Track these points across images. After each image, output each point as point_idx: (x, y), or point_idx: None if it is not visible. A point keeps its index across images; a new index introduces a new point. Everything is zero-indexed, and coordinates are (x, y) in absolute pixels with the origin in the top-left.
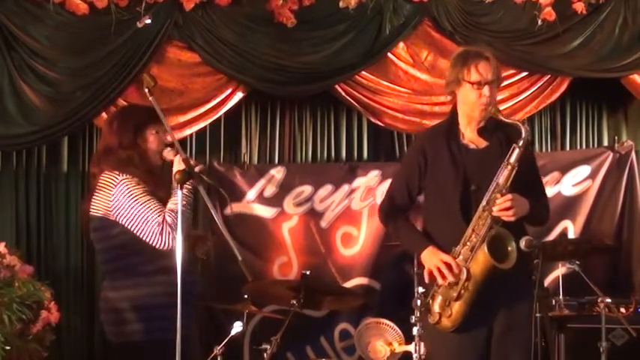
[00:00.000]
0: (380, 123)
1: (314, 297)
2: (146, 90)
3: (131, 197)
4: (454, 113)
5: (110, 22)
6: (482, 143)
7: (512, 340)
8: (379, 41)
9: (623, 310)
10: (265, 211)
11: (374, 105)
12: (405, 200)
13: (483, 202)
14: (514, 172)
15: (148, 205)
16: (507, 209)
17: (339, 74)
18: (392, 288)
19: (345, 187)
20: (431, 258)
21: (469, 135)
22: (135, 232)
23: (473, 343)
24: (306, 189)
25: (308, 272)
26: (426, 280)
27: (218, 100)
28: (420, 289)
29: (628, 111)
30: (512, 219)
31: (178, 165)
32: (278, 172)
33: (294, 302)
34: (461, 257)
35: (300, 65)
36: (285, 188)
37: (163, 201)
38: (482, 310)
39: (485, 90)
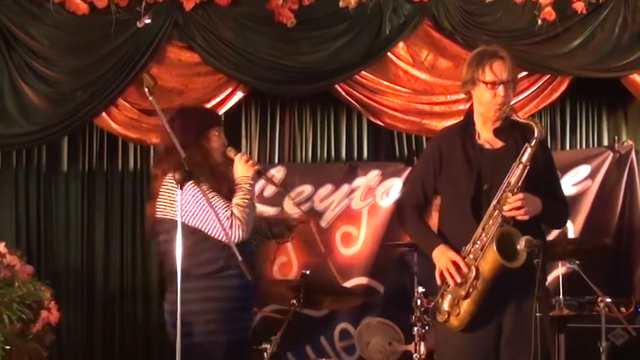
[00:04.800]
0: (380, 123)
1: (314, 297)
2: (146, 90)
3: (197, 197)
4: (470, 113)
5: (110, 22)
6: (498, 143)
7: (521, 341)
8: (379, 41)
9: (623, 309)
10: (265, 211)
11: (374, 105)
12: (420, 199)
13: (494, 201)
14: (526, 171)
15: (214, 202)
16: (518, 208)
17: (339, 74)
18: (392, 287)
19: (345, 187)
20: (441, 257)
21: (485, 135)
22: (204, 229)
23: (481, 342)
24: (306, 188)
25: (308, 272)
26: (437, 279)
27: (218, 99)
28: (421, 289)
29: (628, 111)
30: (524, 218)
31: (238, 163)
32: (278, 172)
33: (294, 302)
34: (471, 256)
35: (300, 65)
36: (285, 188)
37: (227, 197)
38: (492, 309)
39: (500, 90)
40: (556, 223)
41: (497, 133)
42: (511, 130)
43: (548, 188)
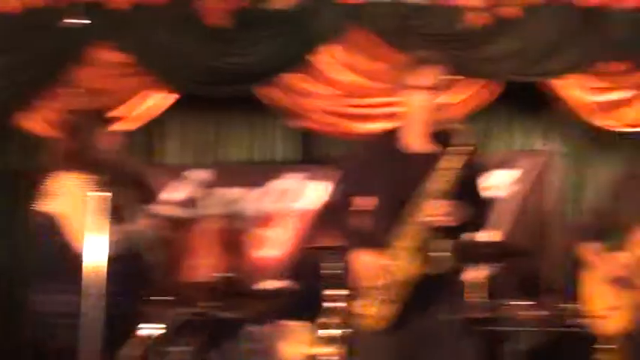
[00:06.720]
0: (306, 125)
1: (232, 299)
2: (72, 91)
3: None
4: (400, 117)
5: (35, 22)
6: (427, 148)
7: (437, 344)
8: (305, 44)
9: (537, 312)
10: (181, 213)
11: (297, 107)
12: (344, 202)
13: (417, 207)
14: (449, 178)
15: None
16: (440, 215)
17: (265, 76)
18: (306, 290)
19: (263, 189)
20: (362, 259)
21: (414, 139)
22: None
23: (397, 345)
24: (230, 190)
25: (227, 274)
26: (359, 282)
27: (142, 100)
28: (334, 292)
29: (555, 115)
30: (446, 224)
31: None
32: (197, 174)
33: (209, 304)
34: (390, 260)
35: (228, 66)
36: (209, 189)
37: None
38: (409, 312)
39: (429, 96)
40: (477, 228)
41: (426, 138)
42: (440, 136)
43: (472, 194)
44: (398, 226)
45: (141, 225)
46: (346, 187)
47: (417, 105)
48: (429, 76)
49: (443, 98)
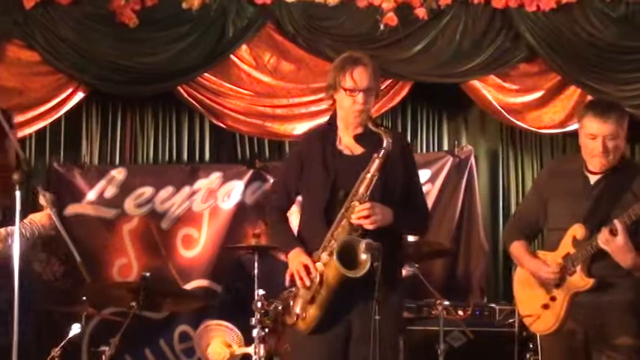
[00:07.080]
0: (222, 125)
1: (153, 299)
2: None
3: None
4: (333, 117)
5: None
6: (358, 149)
7: (368, 343)
8: (222, 43)
9: (460, 312)
10: (105, 212)
11: (216, 107)
12: (283, 200)
13: (342, 209)
14: (374, 180)
15: None
16: (365, 217)
17: (181, 75)
18: (232, 290)
19: (187, 189)
20: (293, 260)
21: (346, 140)
22: None
23: (329, 346)
24: (147, 190)
25: (148, 274)
26: (287, 281)
27: (58, 99)
28: (261, 292)
29: (468, 116)
30: (370, 227)
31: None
32: (119, 173)
33: (134, 304)
34: (320, 262)
35: (142, 66)
36: (125, 189)
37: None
38: (339, 314)
39: (359, 97)
40: (413, 231)
41: (357, 139)
42: (371, 137)
43: (406, 196)
44: (327, 227)
45: (43, 224)
46: (283, 183)
47: (346, 105)
48: (360, 77)
49: (373, 100)
